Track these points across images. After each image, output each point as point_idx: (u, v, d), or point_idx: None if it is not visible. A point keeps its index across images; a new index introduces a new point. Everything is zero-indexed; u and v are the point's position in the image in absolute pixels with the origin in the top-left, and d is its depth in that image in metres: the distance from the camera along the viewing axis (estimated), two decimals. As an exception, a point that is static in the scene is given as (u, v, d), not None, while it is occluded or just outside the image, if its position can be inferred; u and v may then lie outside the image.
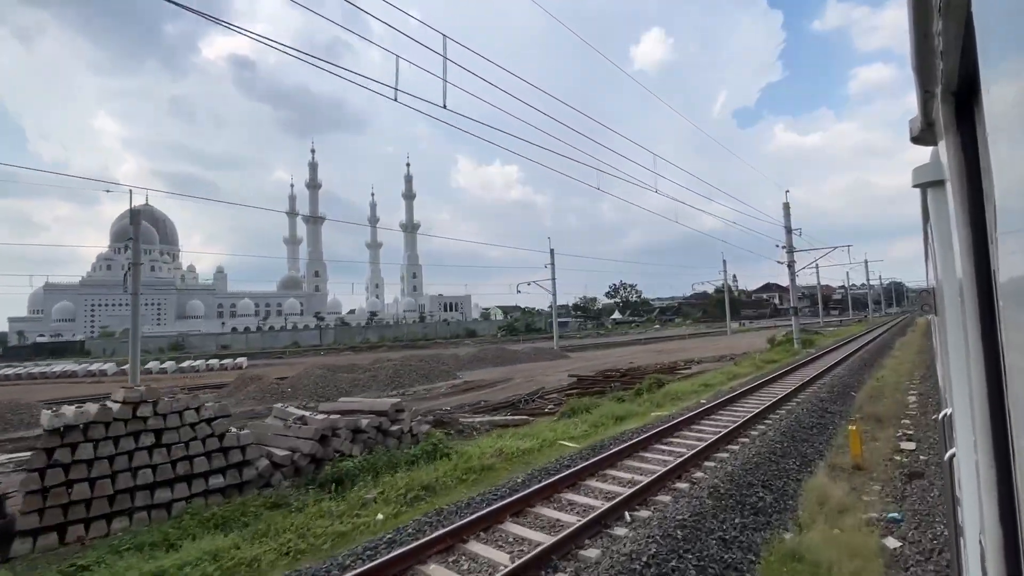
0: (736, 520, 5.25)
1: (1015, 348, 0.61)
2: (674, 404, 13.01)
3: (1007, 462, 0.83)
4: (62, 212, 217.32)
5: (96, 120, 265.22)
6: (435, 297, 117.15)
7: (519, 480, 6.76)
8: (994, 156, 0.61)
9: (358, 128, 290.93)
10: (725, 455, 7.50)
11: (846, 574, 4.50)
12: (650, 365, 24.82)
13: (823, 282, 65.80)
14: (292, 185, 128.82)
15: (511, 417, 12.41)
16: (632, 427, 10.27)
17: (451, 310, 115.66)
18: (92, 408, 6.79)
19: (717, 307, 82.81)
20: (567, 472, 6.68)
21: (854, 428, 7.57)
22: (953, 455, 1.63)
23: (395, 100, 6.75)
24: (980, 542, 0.99)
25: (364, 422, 8.97)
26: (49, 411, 6.70)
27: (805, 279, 72.38)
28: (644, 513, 5.40)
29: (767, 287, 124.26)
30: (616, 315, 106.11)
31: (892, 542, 5.15)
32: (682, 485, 6.24)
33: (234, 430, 7.86)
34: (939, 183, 1.36)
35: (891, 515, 5.74)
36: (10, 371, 39.97)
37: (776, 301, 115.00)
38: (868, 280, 73.46)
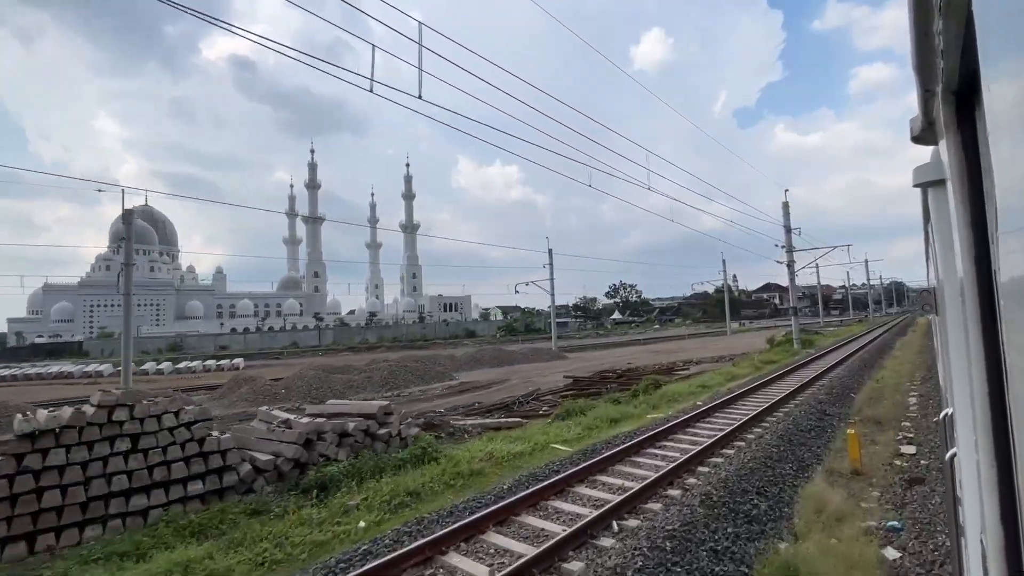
0: (729, 529, 5.03)
1: (1016, 348, 0.60)
2: (670, 406, 12.79)
3: (1008, 462, 0.83)
4: (63, 213, 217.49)
5: (97, 121, 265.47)
6: (435, 297, 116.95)
7: (504, 487, 6.54)
8: (995, 155, 0.60)
9: (359, 129, 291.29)
10: (720, 460, 7.28)
11: (843, 588, 4.28)
12: (648, 366, 24.60)
13: (824, 282, 65.54)
14: (292, 185, 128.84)
15: (504, 420, 12.20)
16: (627, 430, 10.05)
17: (451, 310, 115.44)
18: (66, 412, 6.58)
19: (717, 307, 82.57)
20: (556, 478, 6.46)
21: (852, 432, 7.35)
22: (954, 455, 1.66)
23: (370, 91, 6.56)
24: (981, 542, 1.00)
25: (351, 425, 8.76)
26: (20, 415, 6.48)
27: (805, 279, 72.14)
28: (633, 522, 5.18)
29: (767, 287, 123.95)
30: (616, 315, 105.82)
31: (892, 552, 4.93)
32: (674, 492, 6.02)
33: (215, 434, 7.66)
34: (940, 182, 1.37)
35: (891, 523, 5.52)
36: (6, 372, 39.78)
37: (776, 301, 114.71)
38: (868, 280, 73.18)
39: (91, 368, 38.57)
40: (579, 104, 12.29)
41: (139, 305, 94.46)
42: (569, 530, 4.86)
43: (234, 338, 76.61)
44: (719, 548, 4.64)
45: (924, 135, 1.33)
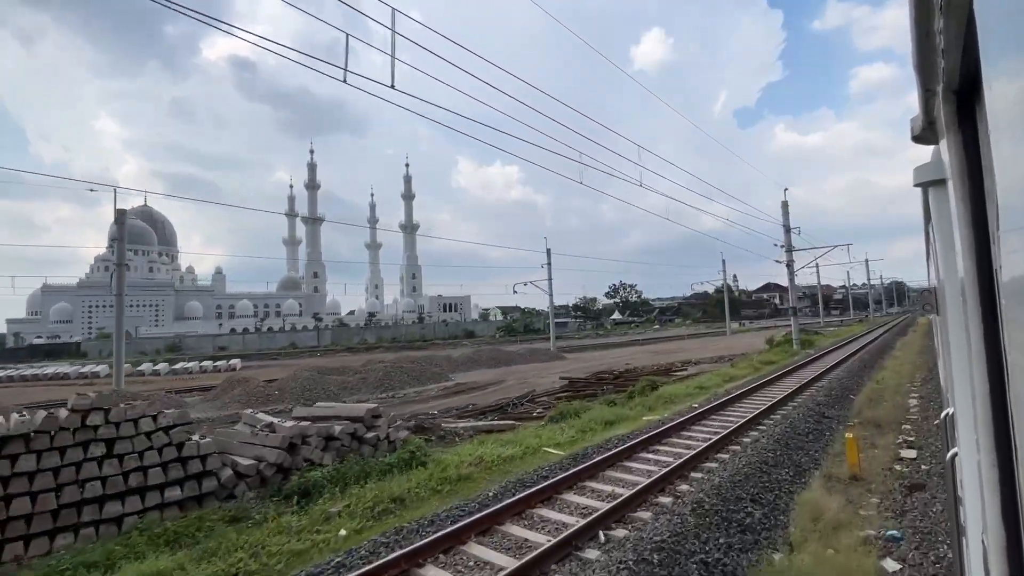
0: (721, 540, 4.82)
1: (1017, 347, 0.60)
2: (667, 408, 12.58)
3: (1009, 461, 0.83)
4: (63, 213, 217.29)
5: (97, 122, 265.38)
6: (434, 298, 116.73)
7: (490, 494, 6.32)
8: (996, 154, 0.61)
9: (359, 129, 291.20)
10: (714, 465, 7.06)
11: (839, 604, 4.07)
12: (647, 366, 24.38)
13: (824, 282, 65.31)
14: (291, 186, 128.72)
15: (496, 422, 11.98)
16: (621, 433, 9.83)
17: (450, 311, 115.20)
18: (38, 417, 6.38)
19: (717, 307, 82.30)
20: (544, 484, 6.25)
21: (851, 436, 7.13)
22: (955, 454, 1.66)
23: (344, 81, 6.35)
24: (983, 541, 1.00)
25: (337, 429, 8.55)
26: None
27: (806, 279, 71.88)
28: (620, 532, 4.96)
29: (767, 287, 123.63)
30: (616, 315, 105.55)
31: (891, 564, 4.71)
32: (665, 499, 5.80)
33: (195, 438, 7.46)
34: (940, 182, 1.37)
35: (890, 533, 5.30)
36: (2, 373, 39.59)
37: (776, 301, 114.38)
38: (869, 280, 72.88)
39: (87, 369, 38.38)
40: (579, 104, 12.19)
41: (138, 306, 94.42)
42: (553, 541, 4.65)
43: (233, 339, 76.42)
44: (710, 560, 4.42)
45: (925, 134, 1.32)
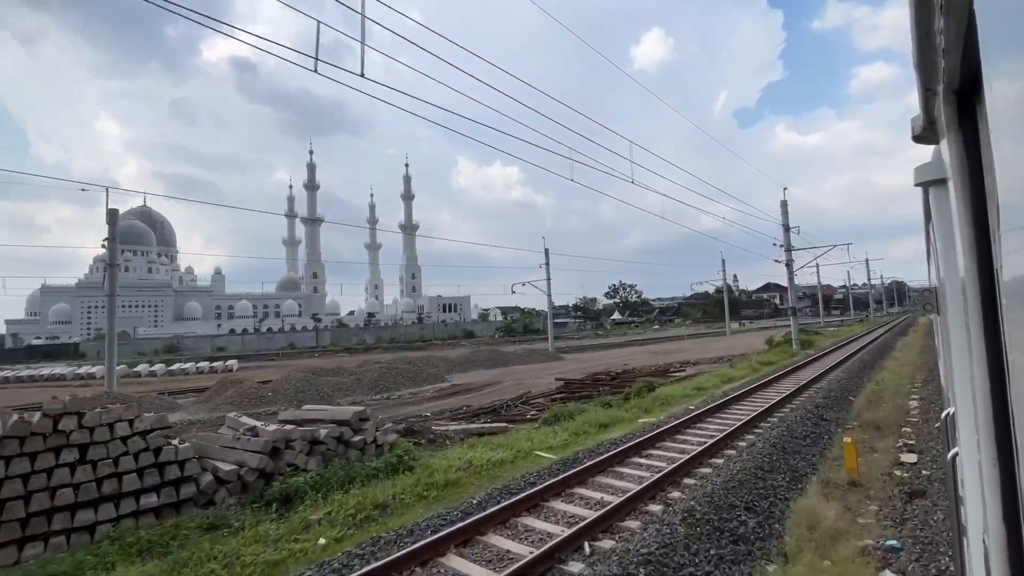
0: (712, 551, 4.60)
1: (1018, 346, 0.61)
2: (663, 410, 12.36)
3: (1010, 461, 0.83)
4: (63, 214, 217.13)
5: (98, 122, 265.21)
6: (434, 298, 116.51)
7: (474, 502, 6.10)
8: (996, 154, 0.61)
9: (359, 130, 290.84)
10: (708, 471, 6.84)
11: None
12: (645, 367, 24.16)
13: (824, 282, 65.06)
14: (291, 186, 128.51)
15: (488, 425, 11.77)
16: (615, 436, 9.62)
17: (450, 311, 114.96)
18: (7, 421, 6.17)
19: (717, 307, 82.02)
20: (531, 491, 6.03)
21: (849, 440, 6.91)
22: (956, 454, 1.66)
23: (315, 71, 6.12)
24: (984, 541, 1.00)
25: (323, 432, 8.33)
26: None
27: (806, 279, 71.57)
28: (606, 543, 4.74)
29: (768, 287, 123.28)
30: (616, 316, 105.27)
31: (890, 577, 4.50)
32: (655, 507, 5.58)
33: (175, 443, 7.25)
34: (941, 181, 1.38)
35: (889, 542, 5.08)
36: (-2, 374, 39.41)
37: (777, 301, 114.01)
38: (869, 279, 72.57)
39: (83, 370, 38.19)
40: (580, 105, 12.09)
41: (137, 306, 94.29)
42: (536, 552, 4.43)
43: (231, 339, 76.21)
44: (699, 573, 4.20)
45: (925, 134, 1.32)
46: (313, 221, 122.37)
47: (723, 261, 48.41)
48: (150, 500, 6.60)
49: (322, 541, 5.81)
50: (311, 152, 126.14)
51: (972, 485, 1.20)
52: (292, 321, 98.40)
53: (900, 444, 8.40)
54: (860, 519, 5.70)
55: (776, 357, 22.91)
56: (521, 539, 4.97)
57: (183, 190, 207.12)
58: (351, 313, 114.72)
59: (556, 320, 43.19)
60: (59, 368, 41.02)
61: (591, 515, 5.23)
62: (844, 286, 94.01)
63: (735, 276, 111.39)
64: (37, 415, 6.39)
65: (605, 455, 7.52)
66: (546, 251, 38.45)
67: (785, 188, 27.50)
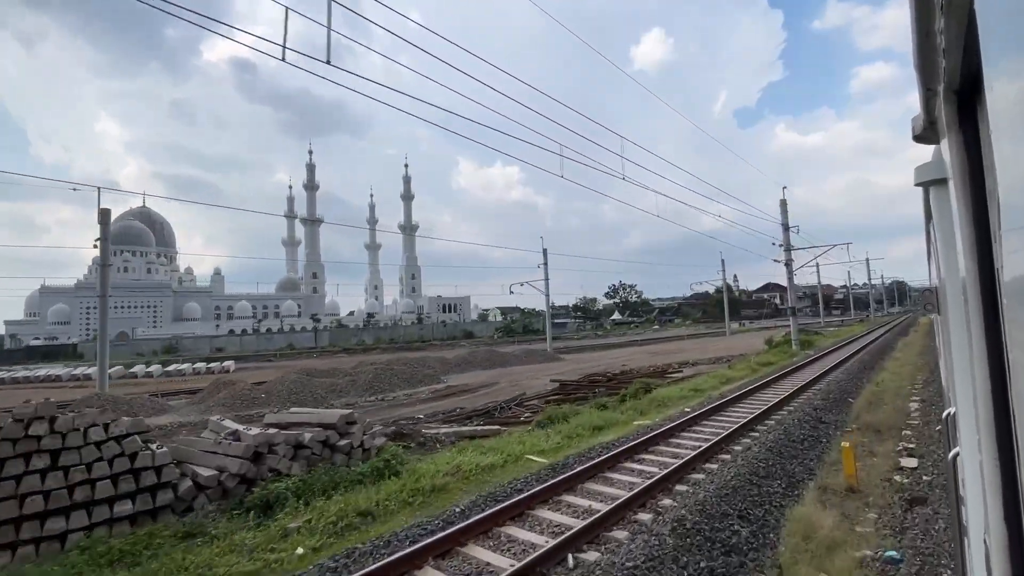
0: (702, 564, 4.38)
1: (1019, 346, 0.61)
2: (659, 412, 12.15)
3: (1011, 460, 0.84)
4: (63, 215, 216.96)
5: (98, 123, 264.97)
6: (434, 299, 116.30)
7: (457, 510, 5.88)
8: (997, 154, 0.62)
9: (359, 130, 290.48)
10: (701, 476, 6.62)
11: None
12: (643, 368, 23.95)
13: (825, 282, 64.83)
14: (291, 187, 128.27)
15: (481, 427, 11.55)
16: (609, 439, 9.41)
17: (450, 311, 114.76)
18: (-25, 426, 5.96)
19: (717, 307, 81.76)
20: (517, 498, 5.81)
21: (847, 445, 6.69)
22: (957, 454, 1.65)
23: (283, 60, 5.94)
24: (985, 541, 1.00)
25: (307, 436, 8.12)
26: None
27: (806, 279, 71.31)
28: (591, 555, 4.52)
29: (768, 287, 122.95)
30: (616, 316, 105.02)
31: (889, 591, 4.28)
32: (644, 516, 5.36)
33: (154, 447, 7.04)
34: (942, 181, 1.38)
35: (889, 553, 4.86)
36: (-6, 375, 39.22)
37: (777, 301, 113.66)
38: (870, 279, 72.28)
39: (79, 371, 38.00)
40: (580, 105, 11.99)
41: (136, 307, 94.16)
42: (517, 565, 4.22)
43: (230, 340, 76.06)
44: (687, 588, 3.99)
45: (926, 134, 1.32)
46: (313, 221, 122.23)
47: (723, 261, 48.24)
48: (125, 507, 6.39)
49: (300, 551, 5.60)
50: (310, 152, 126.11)
51: (973, 485, 1.20)
52: (291, 322, 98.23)
53: (900, 448, 8.17)
54: (858, 528, 5.48)
55: (775, 358, 22.69)
56: (503, 550, 4.76)
57: (183, 191, 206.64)
58: (351, 314, 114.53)
59: (556, 320, 42.99)
60: (55, 369, 40.85)
61: (577, 524, 5.01)
62: (844, 286, 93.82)
63: (735, 276, 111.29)
64: (9, 419, 6.19)
65: (596, 460, 7.30)
66: (544, 251, 38.25)
67: (784, 187, 27.30)
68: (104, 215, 20.20)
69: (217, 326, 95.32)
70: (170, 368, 38.27)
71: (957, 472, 1.72)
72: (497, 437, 10.42)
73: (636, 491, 5.86)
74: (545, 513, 5.58)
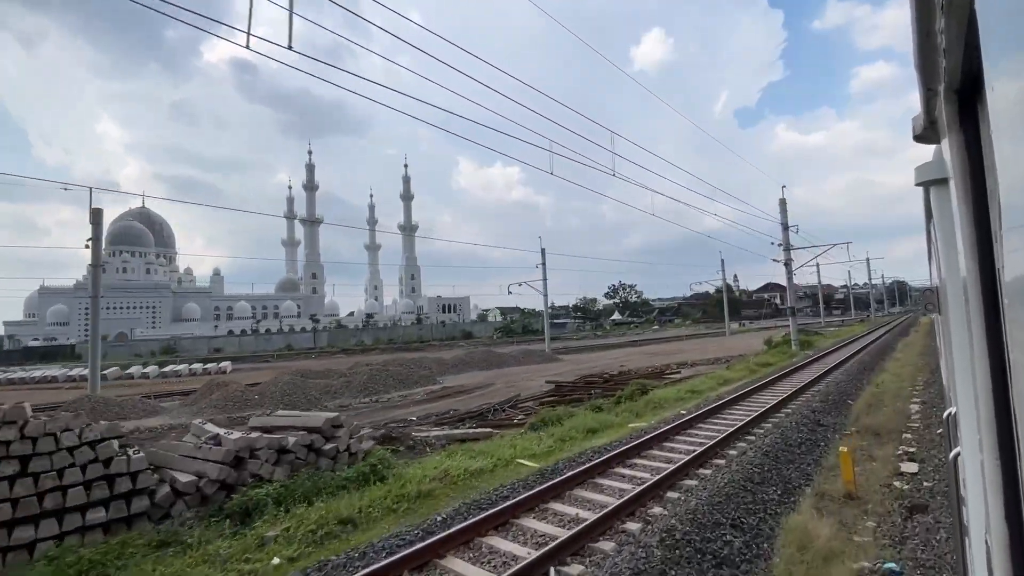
0: (691, 577, 4.16)
1: (1020, 346, 0.61)
2: (655, 414, 11.93)
3: (1012, 460, 0.84)
4: (63, 216, 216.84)
5: (99, 124, 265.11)
6: (433, 299, 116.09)
7: (439, 519, 5.66)
8: (998, 153, 0.62)
9: (359, 130, 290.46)
10: (694, 483, 6.41)
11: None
12: (641, 368, 23.74)
13: (825, 282, 64.58)
14: (290, 187, 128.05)
15: (472, 430, 11.33)
16: (602, 442, 9.20)
17: (449, 312, 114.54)
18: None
19: (717, 307, 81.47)
20: (502, 506, 5.59)
21: (845, 450, 6.47)
22: (958, 454, 1.65)
23: (247, 47, 5.74)
24: (986, 541, 1.01)
25: (292, 440, 7.91)
26: None
27: (807, 278, 71.05)
28: (575, 569, 4.31)
29: (768, 287, 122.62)
30: (615, 316, 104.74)
31: (888, 606, 4.06)
32: (633, 526, 5.14)
33: (131, 453, 6.83)
34: (942, 181, 1.38)
35: (888, 565, 4.64)
36: (-10, 376, 39.03)
37: (777, 301, 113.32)
38: (870, 279, 71.99)
39: (75, 372, 37.81)
40: (580, 105, 11.86)
41: (135, 307, 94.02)
42: (497, 579, 4.01)
43: (229, 340, 75.90)
44: (675, 605, 3.77)
45: (926, 134, 1.32)
46: (312, 222, 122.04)
47: (722, 261, 48.06)
48: (98, 515, 6.18)
49: (276, 560, 5.39)
50: (310, 152, 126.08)
51: (974, 485, 1.20)
52: (291, 322, 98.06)
53: (900, 452, 7.95)
54: (856, 537, 5.26)
55: (774, 358, 22.46)
56: (483, 563, 4.54)
57: (184, 191, 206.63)
58: (350, 314, 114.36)
59: (555, 321, 42.79)
60: (51, 370, 40.65)
61: (562, 535, 4.79)
62: (845, 286, 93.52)
63: (735, 276, 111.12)
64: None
65: (587, 464, 7.09)
66: (542, 251, 38.04)
67: (784, 186, 27.07)
68: (96, 215, 20.01)
69: (216, 327, 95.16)
70: (166, 369, 38.09)
71: (958, 472, 1.71)
72: (488, 440, 10.20)
73: (626, 498, 5.65)
74: (530, 522, 5.36)
